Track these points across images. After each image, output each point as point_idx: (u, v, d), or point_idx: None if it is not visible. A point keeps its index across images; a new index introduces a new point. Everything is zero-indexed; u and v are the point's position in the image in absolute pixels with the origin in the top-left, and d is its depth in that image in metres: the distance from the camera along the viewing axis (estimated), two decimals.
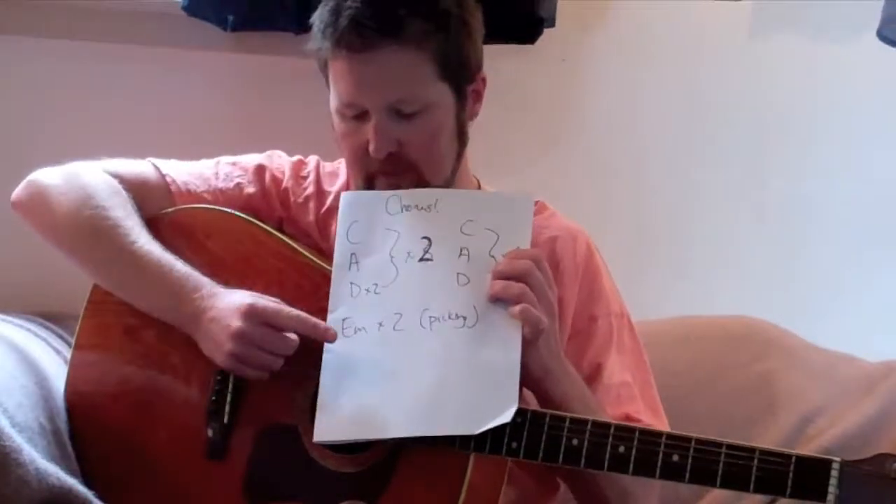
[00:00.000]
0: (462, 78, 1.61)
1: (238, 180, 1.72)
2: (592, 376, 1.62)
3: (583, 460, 1.41)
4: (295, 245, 1.65)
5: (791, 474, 1.34)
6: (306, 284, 1.59)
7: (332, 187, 1.74)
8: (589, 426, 1.41)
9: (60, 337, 1.82)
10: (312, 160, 1.78)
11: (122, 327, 1.61)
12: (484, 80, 1.66)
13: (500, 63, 1.86)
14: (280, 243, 1.65)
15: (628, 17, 2.26)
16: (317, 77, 1.64)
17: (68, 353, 1.66)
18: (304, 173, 1.75)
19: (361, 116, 1.58)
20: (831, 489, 1.33)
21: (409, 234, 1.54)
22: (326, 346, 1.51)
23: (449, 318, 1.48)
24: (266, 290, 1.54)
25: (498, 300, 1.47)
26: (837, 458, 1.34)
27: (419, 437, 1.45)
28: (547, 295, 1.47)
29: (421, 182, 1.59)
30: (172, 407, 1.58)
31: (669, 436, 1.40)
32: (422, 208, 1.55)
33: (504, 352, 1.45)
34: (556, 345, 1.50)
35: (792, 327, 2.10)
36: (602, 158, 2.30)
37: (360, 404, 1.47)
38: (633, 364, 1.67)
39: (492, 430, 1.42)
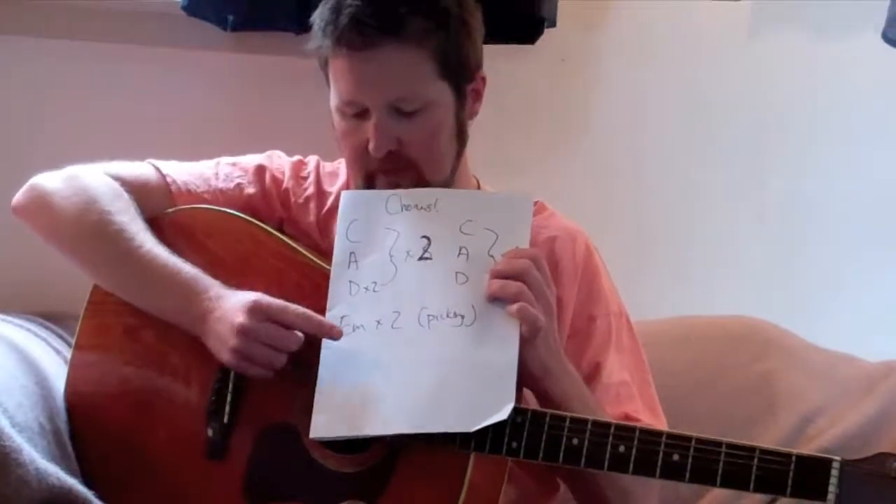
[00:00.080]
0: (462, 77, 1.61)
1: (238, 181, 1.72)
2: (591, 375, 1.62)
3: (583, 460, 1.41)
4: (295, 245, 1.65)
5: (791, 473, 1.34)
6: (306, 284, 1.58)
7: (333, 187, 1.74)
8: (589, 426, 1.41)
9: (60, 337, 1.82)
10: (312, 160, 1.78)
11: (123, 327, 1.62)
12: (484, 80, 1.67)
13: (500, 63, 1.86)
14: (280, 243, 1.65)
15: (628, 18, 2.26)
16: (317, 77, 1.64)
17: (68, 353, 1.66)
18: (304, 174, 1.75)
19: (361, 115, 1.58)
20: (831, 488, 1.33)
21: (408, 233, 1.54)
22: (325, 342, 1.50)
23: (447, 316, 1.48)
24: (266, 290, 1.53)
25: (496, 299, 1.47)
26: (837, 458, 1.34)
27: (418, 436, 1.45)
28: (545, 294, 1.47)
29: (420, 180, 1.59)
30: (172, 407, 1.58)
31: (669, 435, 1.39)
32: (421, 208, 1.55)
33: (502, 350, 1.45)
34: (555, 343, 1.50)
35: (792, 327, 2.10)
36: (602, 158, 2.29)
37: (357, 401, 1.47)
38: (632, 363, 1.67)
39: (492, 430, 1.42)
